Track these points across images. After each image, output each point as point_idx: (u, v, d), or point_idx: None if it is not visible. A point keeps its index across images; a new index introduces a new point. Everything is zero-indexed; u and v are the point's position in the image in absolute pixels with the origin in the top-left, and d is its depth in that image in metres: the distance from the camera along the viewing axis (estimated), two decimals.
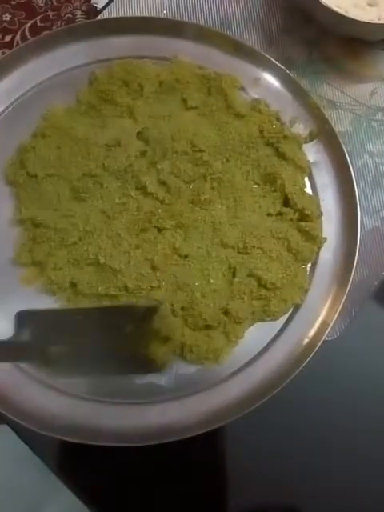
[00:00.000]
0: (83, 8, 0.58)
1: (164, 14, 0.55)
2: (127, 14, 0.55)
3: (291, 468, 0.46)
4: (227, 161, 0.49)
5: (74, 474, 0.47)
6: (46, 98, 0.50)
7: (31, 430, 0.42)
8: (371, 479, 0.46)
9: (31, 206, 0.47)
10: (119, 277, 0.45)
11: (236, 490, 0.46)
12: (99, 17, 0.54)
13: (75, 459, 0.47)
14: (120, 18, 0.54)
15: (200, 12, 0.56)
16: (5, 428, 0.46)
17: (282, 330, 0.47)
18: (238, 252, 0.47)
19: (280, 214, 0.48)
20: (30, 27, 0.58)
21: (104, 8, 0.55)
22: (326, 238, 0.48)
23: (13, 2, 0.59)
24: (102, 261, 0.45)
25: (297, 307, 0.47)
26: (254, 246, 0.47)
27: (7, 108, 0.50)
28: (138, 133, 0.49)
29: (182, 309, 0.45)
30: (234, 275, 0.47)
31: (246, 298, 0.46)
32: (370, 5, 0.53)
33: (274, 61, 0.52)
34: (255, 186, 0.49)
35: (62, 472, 0.46)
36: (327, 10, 0.50)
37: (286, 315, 0.47)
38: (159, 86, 0.51)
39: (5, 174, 0.48)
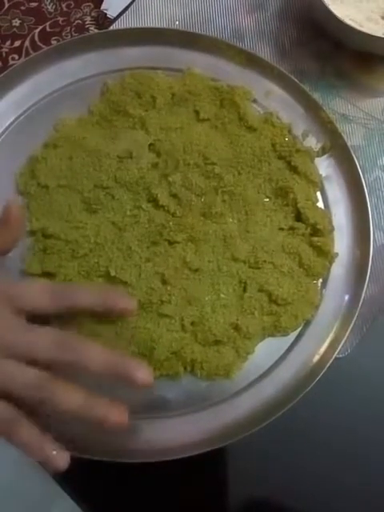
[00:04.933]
0: (93, 14, 0.58)
1: (176, 25, 0.55)
2: (140, 25, 0.55)
3: (304, 484, 0.46)
4: (239, 174, 0.49)
5: (73, 479, 0.46)
6: (58, 109, 0.50)
7: None
8: None
9: (42, 217, 0.47)
10: (130, 290, 0.45)
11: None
12: (111, 27, 0.54)
13: (75, 465, 0.46)
14: (132, 28, 0.54)
15: (213, 24, 0.56)
16: None
17: (292, 346, 0.46)
18: (249, 267, 0.47)
19: (292, 228, 0.48)
20: (40, 33, 0.57)
21: (116, 18, 0.55)
22: (337, 254, 0.48)
23: (22, 8, 0.58)
24: (112, 273, 0.45)
25: (308, 323, 0.47)
26: (265, 261, 0.47)
27: (18, 118, 0.50)
28: (150, 145, 0.49)
29: (192, 324, 0.45)
30: (244, 290, 0.46)
31: (256, 313, 0.46)
32: (383, 18, 0.53)
33: (286, 74, 0.51)
34: (267, 200, 0.49)
35: (61, 477, 0.46)
36: (341, 24, 0.50)
37: (297, 331, 0.47)
38: (171, 98, 0.51)
39: (16, 184, 0.48)
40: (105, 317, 0.42)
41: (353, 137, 0.53)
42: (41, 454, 0.35)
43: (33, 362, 0.36)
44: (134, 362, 0.37)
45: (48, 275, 0.46)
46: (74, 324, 0.42)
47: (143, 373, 0.36)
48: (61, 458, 0.35)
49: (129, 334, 0.44)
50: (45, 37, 0.57)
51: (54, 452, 0.35)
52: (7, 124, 0.50)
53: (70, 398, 0.35)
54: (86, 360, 0.36)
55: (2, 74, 0.50)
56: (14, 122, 0.50)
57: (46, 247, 0.46)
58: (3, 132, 0.49)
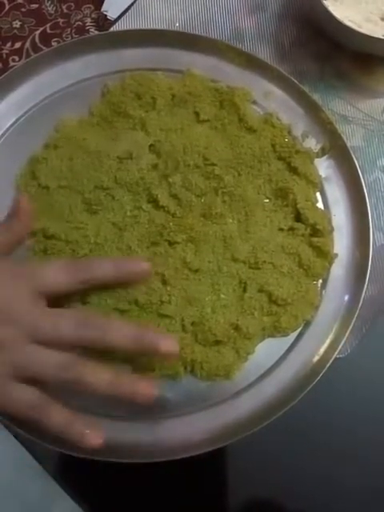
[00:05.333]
0: (93, 16, 0.58)
1: (176, 26, 0.55)
2: (140, 27, 0.55)
3: (303, 484, 0.46)
4: (239, 175, 0.49)
5: (74, 479, 0.46)
6: (59, 110, 0.50)
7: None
8: None
9: (42, 218, 0.47)
10: (129, 291, 0.45)
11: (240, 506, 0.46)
12: (112, 29, 0.54)
13: (75, 465, 0.46)
14: (133, 30, 0.54)
15: (213, 25, 0.56)
16: (5, 433, 0.45)
17: (292, 347, 0.46)
18: (249, 267, 0.47)
19: (291, 229, 0.48)
20: (40, 34, 0.57)
21: (117, 20, 0.55)
22: (337, 254, 0.48)
23: (23, 9, 0.58)
24: None
25: (307, 323, 0.47)
26: (265, 261, 0.47)
27: (19, 119, 0.50)
28: (150, 145, 0.49)
29: (192, 324, 0.45)
30: (244, 290, 0.46)
31: (256, 313, 0.46)
32: (382, 19, 0.53)
33: (286, 75, 0.52)
34: (267, 201, 0.49)
35: (62, 478, 0.46)
36: (340, 25, 0.50)
37: (297, 331, 0.47)
38: (171, 99, 0.51)
39: (16, 185, 0.48)
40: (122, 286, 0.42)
41: (352, 138, 0.53)
42: (75, 434, 0.35)
43: (58, 345, 0.36)
44: (157, 333, 0.38)
45: None
46: None
47: (167, 343, 0.37)
48: (95, 436, 0.36)
49: None
50: (45, 38, 0.57)
51: (88, 431, 0.36)
52: (8, 125, 0.50)
53: (98, 376, 0.36)
54: (111, 336, 0.37)
55: (3, 76, 0.50)
56: (14, 123, 0.50)
57: (46, 248, 0.46)
58: (4, 133, 0.50)
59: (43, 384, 0.36)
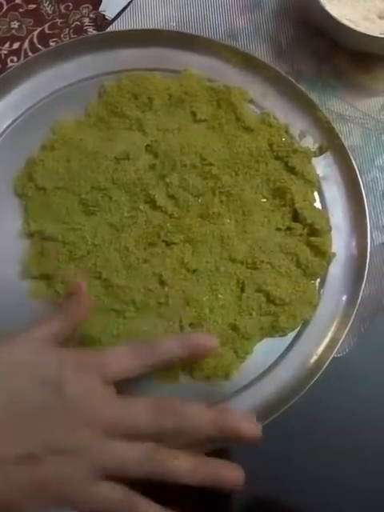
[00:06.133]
0: (91, 16, 0.58)
1: (172, 26, 0.55)
2: (137, 26, 0.55)
3: (302, 483, 0.46)
4: (236, 174, 0.49)
5: None
6: (55, 111, 0.50)
7: None
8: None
9: (39, 219, 0.47)
10: (127, 292, 0.45)
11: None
12: (109, 29, 0.54)
13: None
14: (129, 30, 0.54)
15: (210, 24, 0.56)
16: None
17: (290, 346, 0.46)
18: (247, 267, 0.47)
19: (289, 228, 0.48)
20: (38, 35, 0.57)
21: (114, 20, 0.55)
22: (335, 253, 0.48)
23: (21, 10, 0.58)
24: (107, 276, 0.45)
25: (306, 323, 0.47)
26: (262, 261, 0.47)
27: (16, 120, 0.50)
28: (147, 146, 0.49)
29: (191, 325, 0.45)
30: (242, 290, 0.46)
31: (254, 313, 0.46)
32: (380, 18, 0.53)
33: (283, 74, 0.51)
34: (264, 200, 0.49)
35: None
36: (337, 24, 0.50)
37: (295, 331, 0.47)
38: (168, 99, 0.51)
39: (14, 187, 0.48)
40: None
41: (350, 137, 0.53)
42: None
43: (136, 437, 0.35)
44: (237, 415, 0.37)
45: (45, 277, 0.46)
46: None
47: (250, 426, 0.36)
48: None
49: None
50: (43, 39, 0.57)
51: None
52: (4, 127, 0.50)
53: (181, 466, 0.35)
54: (192, 424, 0.36)
55: None
56: (11, 124, 0.50)
57: (43, 249, 0.46)
58: (0, 135, 0.49)
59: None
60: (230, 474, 0.36)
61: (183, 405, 0.37)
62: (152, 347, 0.38)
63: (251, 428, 0.37)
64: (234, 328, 0.45)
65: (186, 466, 0.35)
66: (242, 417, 0.37)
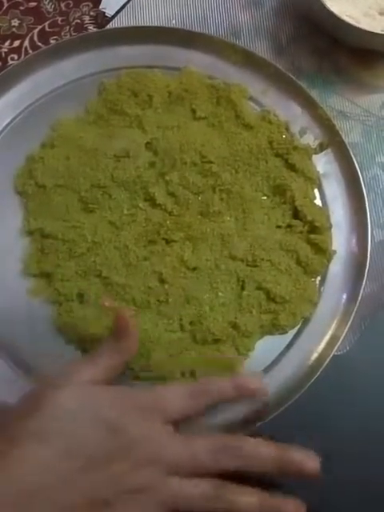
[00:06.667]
0: (91, 13, 0.58)
1: (173, 23, 0.55)
2: (137, 23, 0.55)
3: (300, 482, 0.46)
4: (236, 172, 0.49)
5: None
6: (55, 108, 0.50)
7: None
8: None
9: (39, 217, 0.47)
10: (127, 290, 0.45)
11: None
12: (108, 26, 0.54)
13: None
14: (129, 27, 0.53)
15: (210, 21, 0.55)
16: None
17: (290, 344, 0.46)
18: (247, 265, 0.47)
19: (289, 226, 0.48)
20: (39, 32, 0.57)
21: (113, 17, 0.55)
22: (335, 251, 0.48)
23: (21, 8, 0.58)
24: (107, 274, 0.45)
25: (306, 321, 0.47)
26: (262, 259, 0.47)
27: (16, 117, 0.50)
28: (147, 143, 0.49)
29: (191, 324, 0.45)
30: (242, 288, 0.46)
31: (254, 311, 0.46)
32: (380, 14, 0.53)
33: (283, 71, 0.51)
34: (264, 198, 0.49)
35: None
36: (338, 20, 0.50)
37: (295, 329, 0.47)
38: (168, 97, 0.50)
39: (14, 185, 0.48)
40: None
41: (351, 134, 0.53)
42: None
43: (198, 474, 0.35)
44: (300, 451, 0.37)
45: (46, 275, 0.46)
46: None
47: (313, 464, 0.37)
48: None
49: None
50: (44, 37, 0.57)
51: None
52: (4, 124, 0.50)
53: (247, 501, 0.35)
54: (255, 463, 0.36)
55: None
56: (11, 122, 0.50)
57: (43, 247, 0.46)
58: (0, 132, 0.50)
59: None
60: (292, 509, 0.36)
61: (245, 442, 0.37)
62: (207, 389, 0.39)
63: (314, 466, 0.37)
64: (235, 326, 0.45)
65: (251, 501, 0.35)
66: (305, 454, 0.37)
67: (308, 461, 0.37)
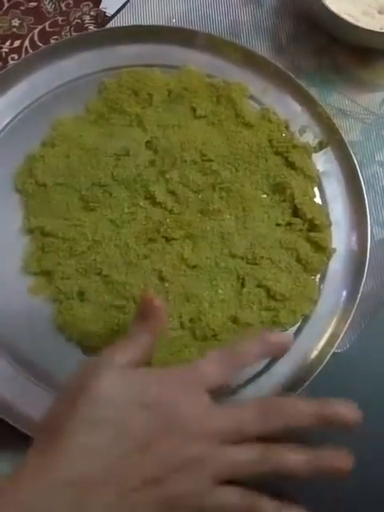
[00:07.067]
0: (92, 13, 0.58)
1: (173, 22, 0.55)
2: (137, 22, 0.55)
3: (302, 480, 0.46)
4: (236, 170, 0.49)
5: None
6: (55, 107, 0.50)
7: None
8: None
9: (40, 215, 0.47)
10: (127, 287, 0.45)
11: None
12: (108, 25, 0.54)
13: None
14: (128, 26, 0.54)
15: (209, 20, 0.56)
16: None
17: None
18: (247, 262, 0.47)
19: (289, 224, 0.48)
20: (39, 32, 0.57)
21: (113, 16, 0.55)
22: (335, 249, 0.48)
23: (22, 8, 0.58)
24: (107, 272, 0.45)
25: (306, 318, 0.47)
26: (262, 257, 0.47)
27: (16, 116, 0.50)
28: (147, 142, 0.49)
29: (190, 321, 0.45)
30: (242, 286, 0.46)
31: (254, 307, 0.46)
32: (380, 12, 0.53)
33: (283, 69, 0.51)
34: (264, 196, 0.49)
35: None
36: (337, 19, 0.50)
37: (295, 326, 0.47)
38: (168, 95, 0.51)
39: (14, 183, 0.48)
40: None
41: (350, 132, 0.53)
42: None
43: (246, 440, 0.35)
44: (338, 401, 0.37)
45: (46, 273, 0.46)
46: None
47: (350, 410, 0.37)
48: None
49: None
50: (44, 36, 0.57)
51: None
52: (5, 123, 0.50)
53: (296, 460, 0.35)
54: (299, 415, 0.36)
55: None
56: (11, 121, 0.50)
57: (44, 245, 0.46)
58: (1, 131, 0.50)
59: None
60: (342, 462, 0.36)
61: (285, 402, 0.37)
62: (238, 352, 0.38)
63: (356, 416, 0.37)
64: (235, 320, 0.45)
65: (300, 458, 0.35)
66: (344, 405, 0.37)
67: (348, 411, 0.37)
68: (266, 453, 0.35)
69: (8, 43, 0.57)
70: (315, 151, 0.51)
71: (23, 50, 0.57)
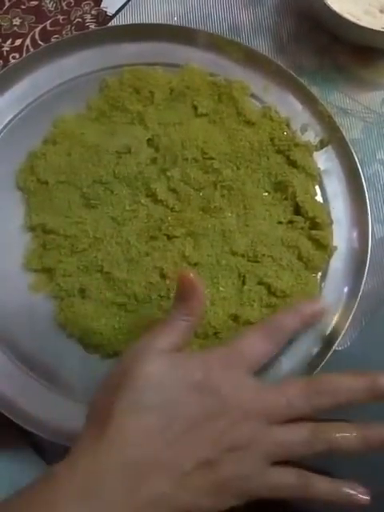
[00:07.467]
0: (93, 12, 0.58)
1: (175, 20, 0.55)
2: (138, 21, 0.55)
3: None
4: (237, 168, 0.49)
5: None
6: (57, 105, 0.50)
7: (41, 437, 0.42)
8: None
9: (41, 213, 0.47)
10: (128, 285, 0.45)
11: None
12: (110, 24, 0.54)
13: None
14: (131, 24, 0.54)
15: (211, 19, 0.56)
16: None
17: (291, 339, 0.46)
18: (248, 260, 0.47)
19: (290, 222, 0.48)
20: (40, 31, 0.57)
21: (115, 15, 0.55)
22: (336, 247, 0.48)
23: (23, 7, 0.58)
24: (109, 269, 0.45)
25: None
26: (264, 255, 0.47)
27: (18, 114, 0.50)
28: (148, 140, 0.49)
29: None
30: (243, 283, 0.46)
31: (255, 304, 0.46)
32: (381, 12, 0.53)
33: (284, 68, 0.51)
34: (266, 194, 0.49)
35: None
36: (338, 18, 0.50)
37: None
38: (170, 93, 0.51)
39: (16, 181, 0.48)
40: None
41: (351, 130, 0.53)
42: (344, 498, 0.35)
43: (295, 419, 0.36)
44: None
45: (47, 270, 0.46)
46: None
47: None
48: (361, 496, 0.36)
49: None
50: (45, 35, 0.57)
51: (352, 491, 0.35)
52: (6, 121, 0.50)
53: (347, 437, 0.35)
54: (346, 391, 0.36)
55: (1, 72, 0.50)
56: (13, 119, 0.50)
57: (45, 243, 0.46)
58: (2, 129, 0.50)
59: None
60: None
61: (331, 378, 0.37)
62: (277, 325, 0.39)
63: None
64: (235, 318, 0.45)
65: (351, 435, 0.36)
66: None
67: None
68: (317, 431, 0.35)
69: (9, 42, 0.57)
70: (316, 149, 0.51)
71: (24, 48, 0.57)
